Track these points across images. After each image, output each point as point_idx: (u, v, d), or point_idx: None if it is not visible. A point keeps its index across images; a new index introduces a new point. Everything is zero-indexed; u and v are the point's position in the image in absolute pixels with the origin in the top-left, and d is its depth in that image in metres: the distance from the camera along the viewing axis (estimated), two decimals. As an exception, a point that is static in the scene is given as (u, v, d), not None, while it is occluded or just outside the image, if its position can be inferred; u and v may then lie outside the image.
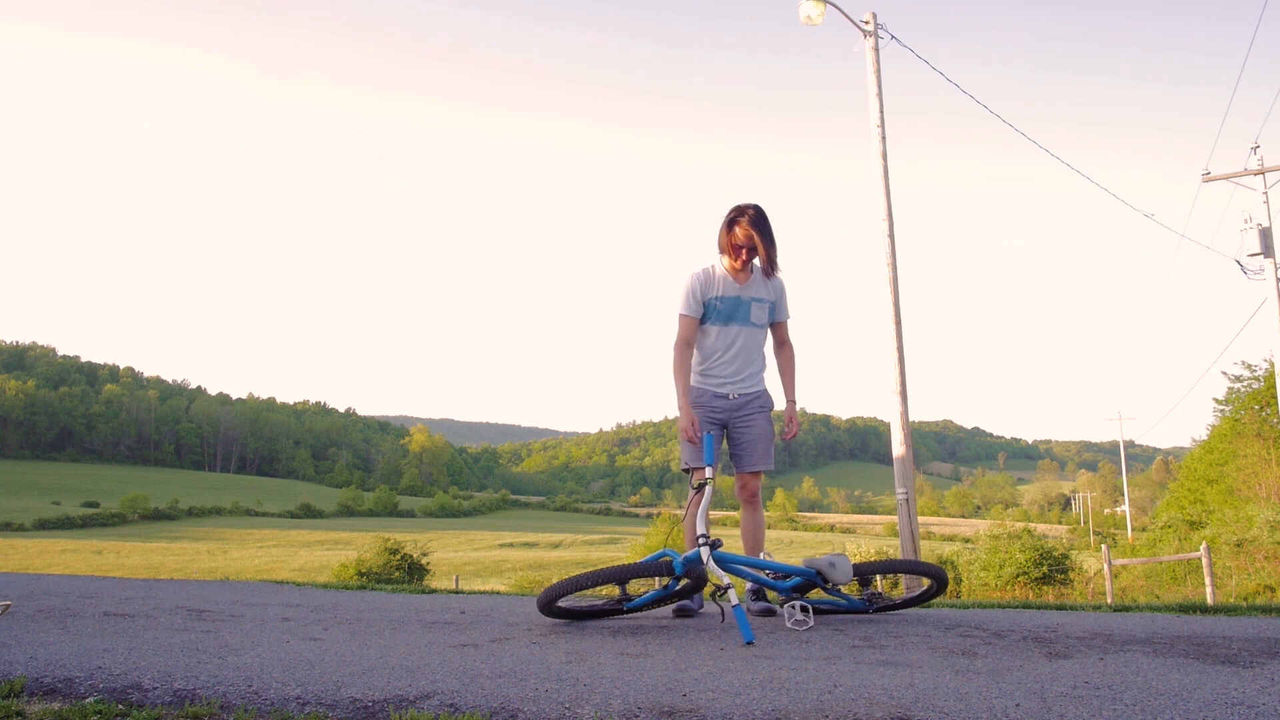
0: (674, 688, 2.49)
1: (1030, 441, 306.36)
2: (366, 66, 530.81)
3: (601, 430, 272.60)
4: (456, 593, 6.22)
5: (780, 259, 4.31)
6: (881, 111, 11.13)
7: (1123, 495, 69.93)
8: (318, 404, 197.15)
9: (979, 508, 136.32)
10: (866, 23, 11.43)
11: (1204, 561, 13.85)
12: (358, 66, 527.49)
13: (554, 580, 28.12)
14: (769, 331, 4.45)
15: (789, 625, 3.57)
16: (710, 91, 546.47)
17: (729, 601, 3.34)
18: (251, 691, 2.46)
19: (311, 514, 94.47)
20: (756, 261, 4.31)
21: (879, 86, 11.22)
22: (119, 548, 54.99)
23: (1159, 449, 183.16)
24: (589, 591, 4.38)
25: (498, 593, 6.53)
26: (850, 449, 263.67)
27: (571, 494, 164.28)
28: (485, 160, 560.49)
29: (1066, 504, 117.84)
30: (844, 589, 3.95)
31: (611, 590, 3.86)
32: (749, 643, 3.12)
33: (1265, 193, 16.90)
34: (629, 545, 43.51)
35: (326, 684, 2.55)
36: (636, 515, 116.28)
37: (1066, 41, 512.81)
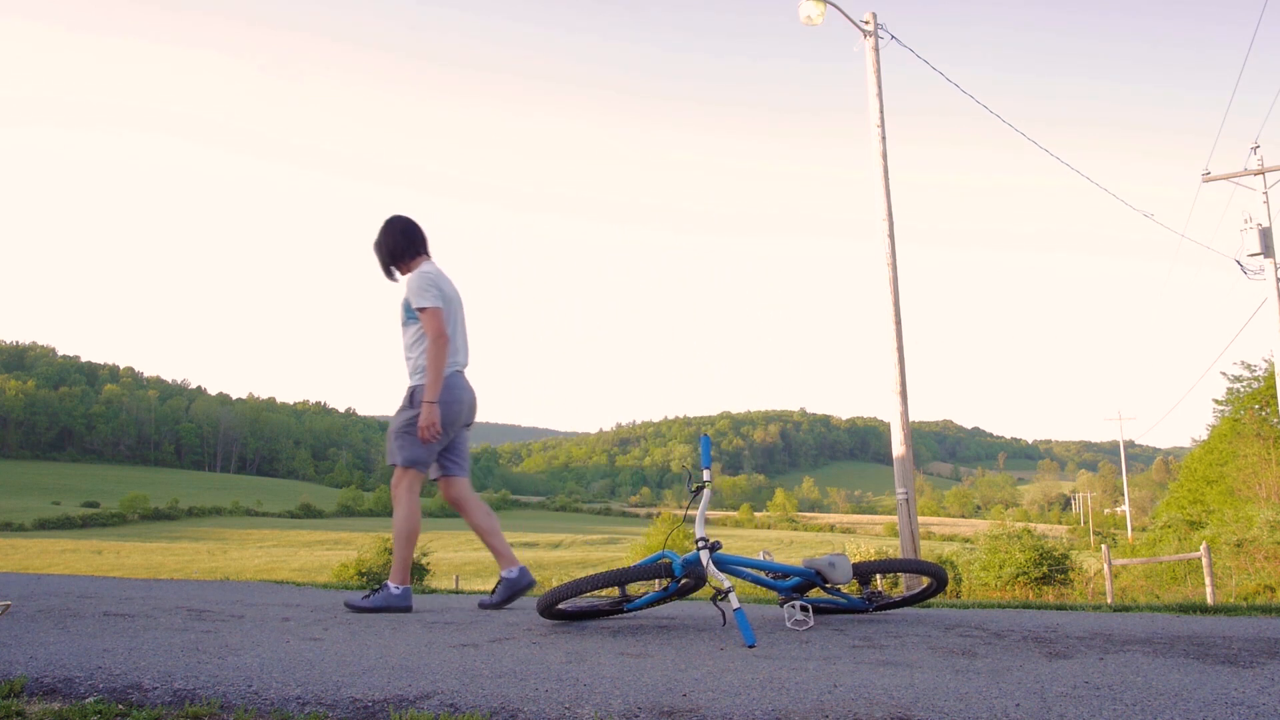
0: (674, 688, 2.49)
1: (1030, 441, 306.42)
2: (367, 69, 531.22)
3: (601, 430, 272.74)
4: (456, 593, 6.22)
5: (394, 261, 4.56)
6: (881, 112, 11.13)
7: (1123, 495, 69.92)
8: (318, 404, 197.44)
9: (979, 508, 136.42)
10: (866, 23, 11.43)
11: (1204, 561, 13.85)
12: (359, 69, 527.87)
13: (554, 582, 28.20)
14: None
15: (789, 625, 3.57)
16: (709, 92, 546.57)
17: (730, 604, 3.34)
18: (251, 691, 2.46)
19: (311, 514, 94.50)
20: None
21: (879, 87, 11.22)
22: (119, 548, 55.01)
23: (1159, 449, 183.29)
24: (589, 593, 4.39)
25: (498, 593, 6.51)
26: (850, 449, 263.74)
27: (571, 494, 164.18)
28: (485, 162, 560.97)
29: (1066, 504, 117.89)
30: (844, 588, 3.95)
31: (612, 591, 3.87)
32: (750, 645, 3.12)
33: (1265, 193, 16.89)
34: (629, 545, 43.51)
35: (326, 684, 2.55)
36: (636, 515, 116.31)
37: (1067, 42, 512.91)
